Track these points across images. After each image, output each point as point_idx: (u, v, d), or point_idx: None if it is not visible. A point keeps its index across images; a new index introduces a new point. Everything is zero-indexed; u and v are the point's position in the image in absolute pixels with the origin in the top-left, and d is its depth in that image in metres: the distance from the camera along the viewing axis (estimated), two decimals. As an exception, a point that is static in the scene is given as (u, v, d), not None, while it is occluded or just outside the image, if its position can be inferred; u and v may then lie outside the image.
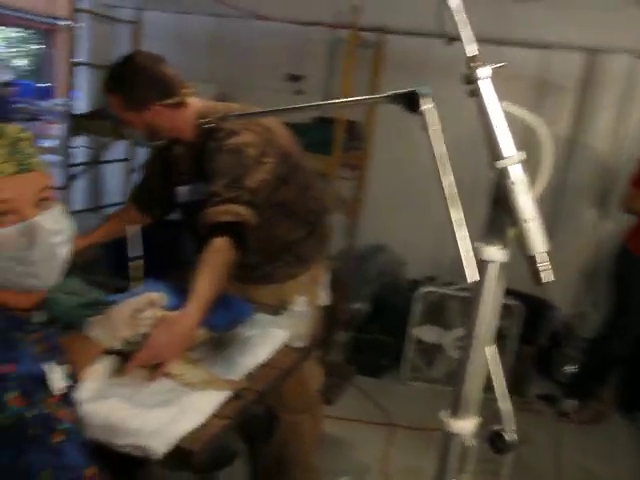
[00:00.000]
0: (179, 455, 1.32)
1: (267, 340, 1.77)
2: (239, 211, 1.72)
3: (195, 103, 1.93)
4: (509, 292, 3.59)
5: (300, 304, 1.82)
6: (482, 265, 0.70)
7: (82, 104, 5.21)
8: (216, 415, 1.42)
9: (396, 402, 3.27)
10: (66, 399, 1.07)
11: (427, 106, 0.83)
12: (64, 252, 1.08)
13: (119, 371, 1.51)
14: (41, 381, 1.01)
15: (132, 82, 1.79)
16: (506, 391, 0.87)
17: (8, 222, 0.99)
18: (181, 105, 1.88)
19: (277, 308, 2.03)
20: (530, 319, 3.51)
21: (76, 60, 4.42)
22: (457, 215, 0.77)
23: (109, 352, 1.53)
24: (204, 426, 1.37)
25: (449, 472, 0.77)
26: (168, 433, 1.31)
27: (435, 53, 3.85)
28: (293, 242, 2.09)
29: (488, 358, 0.84)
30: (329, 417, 2.93)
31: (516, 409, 3.26)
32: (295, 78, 4.40)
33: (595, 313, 3.83)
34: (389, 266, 4.09)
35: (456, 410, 0.76)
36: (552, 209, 4.05)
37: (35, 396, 0.97)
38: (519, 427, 3.22)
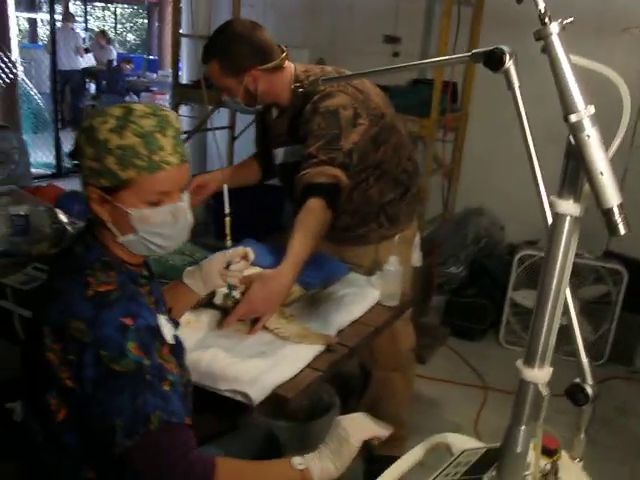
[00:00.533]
0: (276, 401, 1.42)
1: (361, 299, 1.83)
2: (334, 173, 1.77)
3: (291, 67, 1.98)
4: (614, 256, 3.45)
5: (393, 264, 1.86)
6: (556, 218, 0.72)
7: (185, 75, 5.43)
8: (310, 367, 1.50)
9: (490, 365, 3.26)
10: (174, 351, 1.18)
11: (509, 64, 0.84)
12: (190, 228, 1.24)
13: (220, 324, 1.63)
14: (156, 334, 1.12)
15: (230, 48, 1.85)
16: (581, 344, 0.88)
17: (161, 204, 1.14)
18: (278, 69, 1.92)
19: (371, 268, 2.08)
20: (636, 285, 3.36)
21: (181, 32, 4.59)
22: (538, 170, 0.78)
23: (212, 307, 1.67)
24: (298, 376, 1.46)
25: (524, 420, 0.80)
26: (265, 381, 1.40)
27: (531, 7, 3.69)
28: (387, 203, 2.12)
29: (571, 312, 0.85)
30: (422, 377, 2.98)
31: (621, 379, 3.18)
32: (392, 40, 4.35)
33: None
34: (487, 229, 4.03)
35: (530, 360, 0.78)
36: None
37: (150, 347, 1.08)
38: (624, 397, 3.14)
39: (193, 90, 4.36)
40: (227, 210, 1.61)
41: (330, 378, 2.14)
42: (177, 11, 4.45)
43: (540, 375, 0.78)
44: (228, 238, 1.60)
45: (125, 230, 1.15)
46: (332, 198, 1.76)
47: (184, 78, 5.28)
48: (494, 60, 0.85)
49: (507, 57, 0.83)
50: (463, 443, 1.02)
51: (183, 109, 4.70)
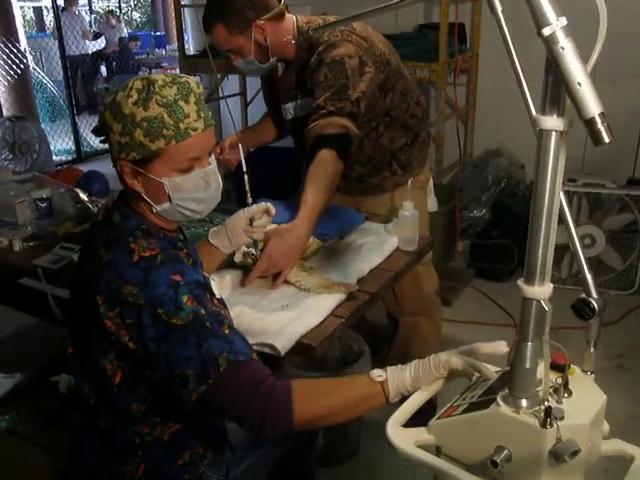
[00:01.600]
0: (302, 350, 1.46)
1: (378, 246, 1.86)
2: (343, 123, 1.78)
3: (292, 18, 1.97)
4: (638, 183, 3.40)
5: (408, 209, 1.87)
6: (542, 135, 0.73)
7: (192, 45, 5.41)
8: (333, 315, 1.54)
9: (519, 304, 3.27)
10: (222, 301, 1.26)
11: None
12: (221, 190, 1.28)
13: (242, 282, 1.67)
14: (204, 286, 1.18)
15: (230, 6, 1.84)
16: (584, 260, 0.89)
17: (192, 170, 1.18)
18: (281, 19, 1.92)
19: (387, 216, 2.10)
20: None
21: (183, 3, 4.56)
22: (527, 91, 0.79)
23: (233, 266, 1.71)
24: (322, 325, 1.50)
25: (530, 336, 0.82)
26: (290, 332, 1.44)
27: None
28: (398, 150, 2.12)
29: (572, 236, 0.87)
30: (451, 321, 3.01)
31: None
32: (394, -13, 4.26)
33: None
34: (507, 170, 3.99)
35: (530, 278, 0.80)
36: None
37: (202, 298, 1.13)
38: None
39: (200, 60, 4.36)
40: (244, 168, 1.64)
41: (359, 328, 2.19)
42: (175, -17, 4.42)
43: (541, 291, 0.80)
44: (249, 195, 1.64)
45: (160, 199, 1.19)
46: (343, 148, 1.77)
47: (191, 49, 5.27)
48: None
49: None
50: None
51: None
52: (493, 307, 3.31)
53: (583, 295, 0.87)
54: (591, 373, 0.94)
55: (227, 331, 1.13)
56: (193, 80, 1.17)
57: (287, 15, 1.93)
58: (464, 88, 4.22)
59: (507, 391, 0.89)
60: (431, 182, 2.32)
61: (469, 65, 4.06)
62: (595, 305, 0.85)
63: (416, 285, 2.19)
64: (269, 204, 1.58)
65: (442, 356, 1.13)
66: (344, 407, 1.14)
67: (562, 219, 0.86)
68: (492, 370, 1.06)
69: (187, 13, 5.02)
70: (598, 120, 0.66)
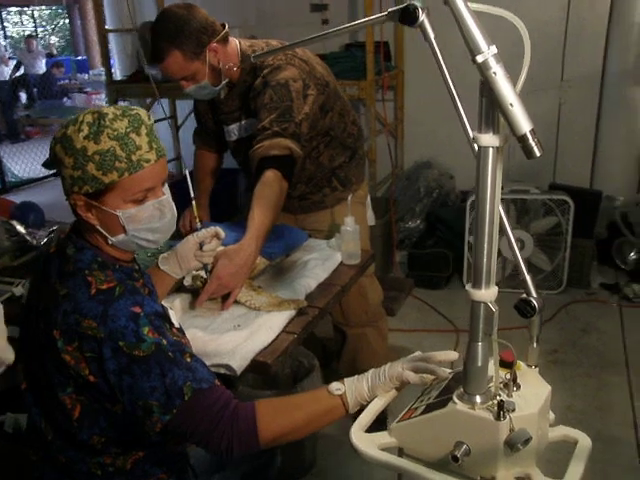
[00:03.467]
0: (258, 368, 1.49)
1: (324, 262, 1.91)
2: (287, 144, 1.83)
3: (235, 42, 2.00)
4: (559, 188, 3.60)
5: (350, 224, 1.93)
6: (481, 151, 0.79)
7: (119, 70, 5.35)
8: (285, 331, 1.58)
9: (459, 309, 3.39)
10: (181, 329, 1.27)
11: (423, 18, 0.91)
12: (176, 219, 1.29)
13: (192, 305, 1.69)
14: (163, 316, 1.18)
15: (185, 32, 1.83)
16: (522, 263, 0.97)
17: (145, 200, 1.19)
18: (226, 42, 1.95)
19: (329, 232, 2.16)
20: (585, 213, 3.53)
21: (107, 28, 4.52)
22: (462, 111, 0.86)
23: (182, 290, 1.72)
24: (275, 342, 1.53)
25: (479, 336, 0.89)
26: (244, 351, 1.47)
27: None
28: (337, 167, 2.19)
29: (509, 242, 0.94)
30: (395, 330, 3.10)
31: (581, 301, 3.35)
32: (319, 8, 4.38)
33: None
34: (437, 181, 4.14)
35: (477, 282, 0.87)
36: (599, 97, 3.98)
37: (163, 328, 1.14)
38: (585, 319, 3.32)
39: (129, 85, 4.32)
40: (192, 194, 1.67)
41: (307, 342, 2.23)
42: (100, 7, 4.38)
43: (488, 294, 0.87)
44: (197, 220, 1.66)
45: (115, 231, 1.19)
46: (287, 169, 1.82)
47: (117, 74, 5.22)
48: (409, 16, 0.91)
49: (420, 12, 0.90)
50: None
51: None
52: (434, 314, 3.42)
53: (524, 295, 0.94)
54: (535, 367, 1.02)
55: (189, 359, 1.14)
56: (143, 112, 1.18)
57: (230, 38, 1.98)
58: (392, 104, 4.37)
59: (462, 390, 0.95)
60: (368, 197, 2.40)
61: (395, 81, 4.21)
62: (535, 304, 0.92)
63: (361, 297, 2.25)
64: (218, 228, 1.60)
65: (397, 368, 1.17)
66: (307, 422, 1.17)
67: (501, 226, 0.93)
68: (447, 371, 1.11)
69: (111, 38, 4.97)
70: (529, 136, 0.73)
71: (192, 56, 1.86)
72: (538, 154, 0.73)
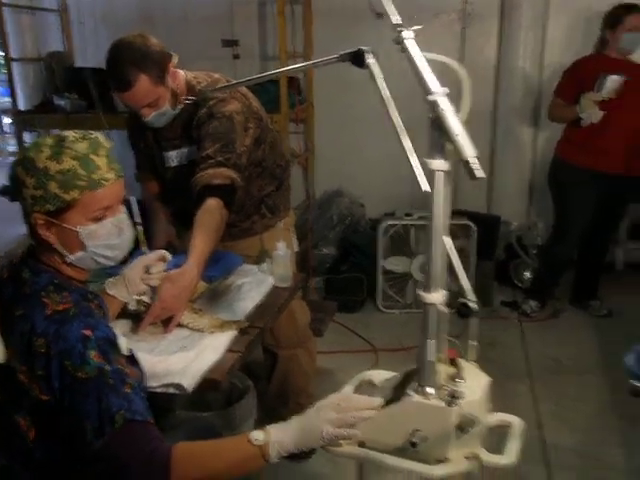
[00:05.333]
0: (208, 386, 1.55)
1: (258, 285, 2.00)
2: (229, 174, 1.93)
3: (180, 71, 2.08)
4: (464, 214, 3.89)
5: (281, 249, 2.04)
6: (432, 175, 0.94)
7: (22, 101, 5.20)
8: (229, 351, 1.66)
9: (375, 330, 3.57)
10: (131, 360, 1.28)
11: (371, 60, 1.05)
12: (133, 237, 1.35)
13: (135, 330, 1.72)
14: (113, 343, 1.22)
15: (149, 57, 1.88)
16: (463, 272, 1.12)
17: (104, 218, 1.24)
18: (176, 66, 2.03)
19: (259, 257, 2.26)
20: (486, 236, 3.83)
21: (12, 56, 4.41)
22: (407, 143, 1.00)
23: (124, 315, 1.75)
24: (222, 360, 1.61)
25: (429, 335, 1.02)
26: (194, 369, 1.53)
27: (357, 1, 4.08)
28: (265, 196, 2.31)
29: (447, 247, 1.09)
30: (318, 352, 3.21)
31: (485, 318, 3.61)
32: (230, 43, 4.49)
33: (542, 223, 4.19)
34: (349, 208, 4.34)
35: (428, 286, 1.00)
36: (492, 131, 4.36)
37: (109, 355, 1.18)
38: (490, 334, 3.57)
39: (38, 116, 4.23)
40: (138, 220, 1.72)
41: (241, 367, 2.30)
42: (4, 35, 4.28)
43: (437, 297, 1.01)
44: (144, 245, 1.71)
45: (74, 248, 1.24)
46: (228, 198, 1.92)
47: (21, 104, 5.06)
48: (358, 59, 1.06)
49: (368, 55, 1.04)
50: (382, 375, 1.23)
51: (26, 137, 4.53)
52: (352, 336, 3.57)
53: (462, 299, 1.09)
54: (475, 362, 1.16)
55: (128, 390, 1.16)
56: (101, 136, 1.26)
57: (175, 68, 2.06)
58: (303, 135, 4.54)
59: (416, 384, 1.07)
60: (293, 224, 2.53)
61: (306, 114, 4.39)
62: (472, 306, 1.07)
63: (291, 318, 2.35)
64: (164, 251, 1.66)
65: (329, 430, 1.10)
66: (223, 472, 1.17)
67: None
68: (371, 412, 1.09)
69: (14, 67, 4.84)
70: (474, 161, 0.88)
71: (157, 80, 1.92)
72: (481, 176, 0.88)
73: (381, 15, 0.96)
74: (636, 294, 3.90)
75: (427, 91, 0.88)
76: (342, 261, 4.09)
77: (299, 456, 2.40)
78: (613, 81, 3.14)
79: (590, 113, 3.23)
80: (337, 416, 1.09)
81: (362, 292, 3.87)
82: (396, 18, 0.92)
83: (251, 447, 1.12)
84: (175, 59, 2.01)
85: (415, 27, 0.91)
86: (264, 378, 2.57)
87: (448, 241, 1.05)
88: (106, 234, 1.26)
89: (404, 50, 0.91)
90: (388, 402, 1.08)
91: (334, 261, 4.14)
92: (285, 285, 2.06)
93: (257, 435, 1.13)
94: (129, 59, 1.88)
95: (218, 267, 1.98)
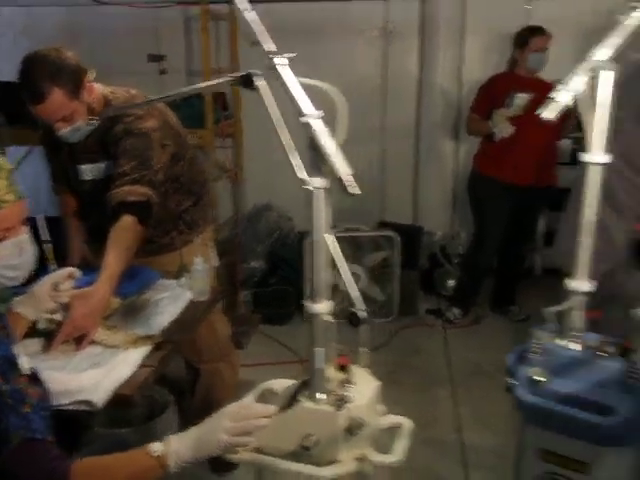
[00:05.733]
0: (119, 401, 1.56)
1: (175, 300, 2.02)
2: (145, 191, 1.94)
3: (96, 85, 2.07)
4: (386, 225, 4.00)
5: (199, 263, 2.07)
6: (312, 192, 1.00)
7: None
8: (143, 365, 1.67)
9: (303, 342, 3.59)
10: (32, 379, 1.27)
11: (260, 83, 1.10)
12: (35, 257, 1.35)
13: (46, 349, 1.71)
14: (12, 363, 1.21)
15: (63, 70, 1.87)
16: (352, 281, 1.18)
17: (5, 239, 1.25)
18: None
19: (178, 272, 2.27)
20: (409, 247, 3.95)
21: None
22: (295, 160, 1.06)
23: (35, 334, 1.74)
24: (134, 376, 1.62)
25: (319, 343, 1.08)
26: (105, 385, 1.54)
27: (286, 17, 4.15)
28: (183, 211, 2.33)
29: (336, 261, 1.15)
30: (243, 365, 3.23)
31: (411, 326, 3.72)
32: (156, 58, 4.49)
33: (464, 232, 4.35)
34: (277, 222, 4.39)
35: (313, 297, 1.06)
36: (415, 145, 4.50)
37: (8, 374, 1.17)
38: (415, 342, 3.68)
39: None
40: (46, 238, 1.71)
41: (160, 382, 2.30)
42: None
43: (322, 307, 1.06)
44: (52, 263, 1.70)
45: None
46: (143, 215, 1.94)
47: None
48: (247, 82, 1.11)
49: (256, 79, 1.10)
50: (284, 384, 1.28)
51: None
52: (280, 348, 3.61)
53: (352, 309, 1.15)
54: (366, 368, 1.23)
55: (28, 409, 1.17)
56: (2, 159, 1.26)
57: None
58: (231, 150, 4.57)
59: (307, 391, 1.13)
60: (213, 239, 2.55)
61: (233, 129, 4.42)
62: (360, 315, 1.13)
63: (212, 332, 2.37)
64: (73, 268, 1.67)
65: (224, 439, 1.12)
66: None
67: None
68: (265, 420, 1.11)
69: None
70: (348, 179, 0.94)
71: (72, 95, 1.91)
72: (355, 192, 0.95)
73: (256, 43, 1.01)
74: (553, 298, 4.09)
75: (300, 113, 0.93)
76: (270, 274, 4.13)
77: (223, 468, 2.43)
78: (521, 99, 3.32)
79: (502, 128, 3.40)
80: (233, 425, 1.12)
81: (291, 305, 3.92)
82: (268, 46, 0.97)
83: (150, 458, 1.14)
84: (92, 74, 2.01)
85: (288, 55, 0.97)
86: (188, 392, 2.58)
87: (338, 253, 1.11)
88: (7, 255, 1.27)
89: (278, 76, 0.96)
90: (282, 409, 1.13)
91: (263, 274, 4.17)
92: (203, 299, 2.09)
93: (156, 447, 1.15)
94: (43, 72, 1.86)
95: (133, 283, 1.99)
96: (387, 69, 4.41)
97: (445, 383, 3.24)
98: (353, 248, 3.84)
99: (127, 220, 1.89)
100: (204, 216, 2.44)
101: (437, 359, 3.50)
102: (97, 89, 2.07)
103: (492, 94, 3.52)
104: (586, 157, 1.27)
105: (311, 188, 0.99)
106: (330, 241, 1.08)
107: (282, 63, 0.97)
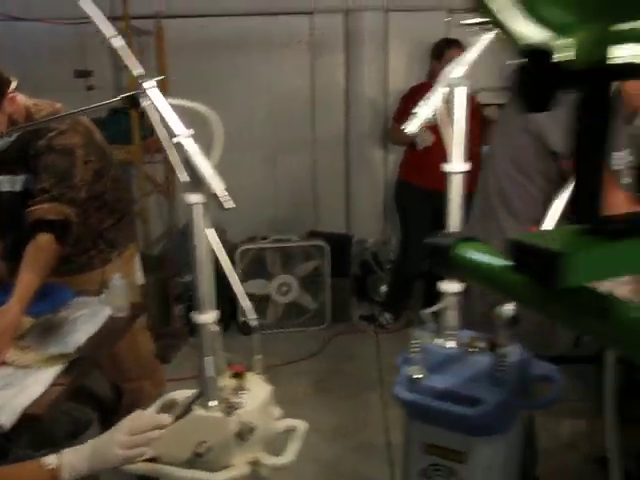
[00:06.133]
0: (29, 420, 1.56)
1: (93, 317, 2.03)
2: (63, 210, 1.94)
3: (19, 96, 2.04)
4: (316, 235, 4.07)
5: (117, 279, 2.08)
6: (190, 207, 1.04)
7: None
8: (54, 384, 1.67)
9: (235, 353, 3.63)
10: None
11: (146, 103, 1.14)
12: None
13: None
14: None
15: None
16: (243, 292, 1.23)
17: None
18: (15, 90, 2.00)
19: (100, 290, 2.27)
20: (340, 255, 4.02)
21: None
22: (182, 177, 1.10)
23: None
24: (45, 394, 1.62)
25: (207, 352, 1.12)
26: (13, 405, 1.54)
27: (215, 32, 4.20)
28: (104, 230, 2.32)
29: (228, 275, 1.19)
30: (172, 380, 3.22)
31: (344, 334, 3.78)
32: (83, 74, 4.44)
33: (395, 238, 4.46)
34: (211, 235, 4.40)
35: (199, 307, 1.10)
36: (345, 155, 4.59)
37: None
38: (348, 348, 3.76)
39: None
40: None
41: (85, 402, 2.29)
42: None
43: (207, 317, 1.11)
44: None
45: None
46: (61, 233, 1.93)
47: None
48: (134, 103, 1.15)
49: (141, 101, 1.14)
50: (185, 394, 1.32)
51: None
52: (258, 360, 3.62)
53: (243, 318, 1.20)
54: (261, 374, 1.27)
55: None
56: None
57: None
58: (162, 165, 4.57)
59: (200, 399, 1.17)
60: (137, 257, 2.55)
61: (160, 145, 4.42)
62: (252, 324, 1.18)
63: (133, 349, 2.37)
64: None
65: (119, 452, 1.14)
66: None
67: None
68: (158, 432, 1.13)
69: None
70: (222, 194, 0.99)
71: None
72: (229, 206, 1.00)
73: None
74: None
75: (171, 134, 0.98)
76: (204, 287, 4.12)
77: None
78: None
79: (422, 137, 3.51)
80: (127, 439, 1.14)
81: (224, 316, 3.93)
82: (138, 71, 1.01)
83: (43, 471, 1.14)
84: (14, 84, 2.00)
85: (157, 77, 1.01)
86: (111, 408, 2.57)
87: (227, 264, 1.16)
88: None
89: (147, 99, 1.01)
90: (177, 418, 1.17)
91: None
92: (122, 315, 2.09)
93: (49, 459, 1.16)
94: None
95: (46, 302, 1.98)
96: (315, 81, 4.50)
97: (376, 387, 3.31)
98: (284, 258, 3.89)
99: (44, 238, 1.88)
100: (127, 234, 2.44)
101: (369, 364, 3.57)
102: (19, 100, 2.05)
103: (412, 104, 3.61)
104: (447, 167, 1.36)
105: (190, 203, 1.03)
106: (219, 253, 1.12)
107: (151, 86, 1.02)
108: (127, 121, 3.83)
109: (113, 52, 3.96)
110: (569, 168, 1.69)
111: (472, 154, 3.68)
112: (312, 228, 4.54)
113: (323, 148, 4.60)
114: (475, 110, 3.53)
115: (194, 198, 1.03)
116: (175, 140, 0.97)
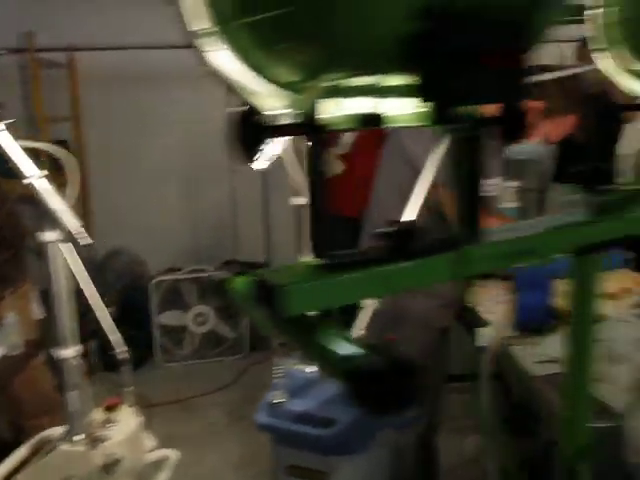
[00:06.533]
0: None
1: (-16, 356, 1.99)
2: None
3: None
4: (233, 263, 4.08)
5: (10, 317, 2.05)
6: (47, 245, 1.07)
7: None
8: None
9: (153, 385, 3.59)
10: None
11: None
12: None
13: None
14: None
15: None
16: (112, 325, 1.25)
17: None
18: None
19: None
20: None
21: None
22: (61, 206, 1.12)
23: None
24: None
25: (69, 386, 1.14)
26: None
27: (124, 64, 4.21)
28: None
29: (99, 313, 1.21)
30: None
31: (260, 362, 3.74)
32: (-7, 106, 4.36)
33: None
34: (129, 266, 4.35)
35: (62, 344, 1.12)
36: (263, 182, 4.65)
37: None
38: (263, 376, 3.69)
39: None
40: None
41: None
42: None
43: (69, 352, 1.13)
44: None
45: None
46: None
47: None
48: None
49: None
50: (60, 431, 1.31)
51: None
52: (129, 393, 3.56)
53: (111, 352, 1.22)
54: (132, 407, 1.29)
55: None
56: None
57: None
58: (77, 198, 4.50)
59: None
60: (35, 292, 2.50)
61: (62, 179, 4.36)
62: (119, 357, 1.20)
63: (31, 386, 2.31)
64: None
65: None
66: None
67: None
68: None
69: None
70: (78, 231, 1.02)
71: None
72: (85, 243, 1.03)
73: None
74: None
75: (22, 176, 1.01)
76: (122, 321, 4.06)
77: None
78: (347, 137, 3.56)
79: (333, 166, 3.62)
80: None
81: (139, 349, 3.89)
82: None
83: None
84: None
85: (8, 120, 1.04)
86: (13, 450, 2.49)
87: (94, 298, 1.18)
88: None
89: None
90: (42, 455, 1.17)
91: (115, 321, 4.09)
92: (15, 352, 2.06)
93: None
94: None
95: None
96: (225, 105, 4.54)
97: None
98: (200, 289, 3.89)
99: None
100: (22, 270, 2.39)
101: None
102: None
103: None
104: (294, 200, 1.45)
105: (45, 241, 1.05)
106: (86, 287, 1.14)
107: (1, 129, 1.04)
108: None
109: (23, 84, 3.93)
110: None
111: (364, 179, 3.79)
112: (232, 257, 4.55)
113: (241, 176, 4.63)
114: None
115: (50, 236, 1.05)
116: (27, 182, 0.99)
